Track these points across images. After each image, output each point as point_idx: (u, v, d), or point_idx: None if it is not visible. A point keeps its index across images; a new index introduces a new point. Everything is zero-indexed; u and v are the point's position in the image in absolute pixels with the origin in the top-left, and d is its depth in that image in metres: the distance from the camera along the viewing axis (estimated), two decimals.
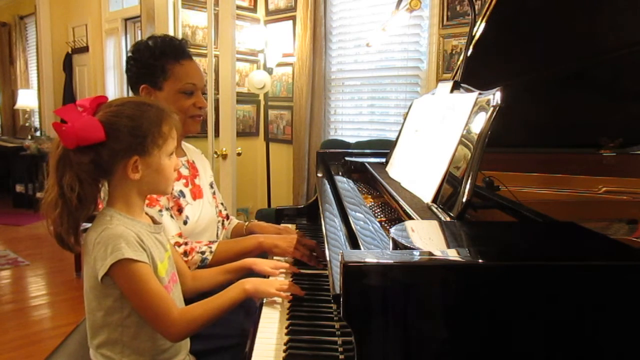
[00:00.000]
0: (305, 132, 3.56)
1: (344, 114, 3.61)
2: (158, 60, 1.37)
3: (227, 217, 1.64)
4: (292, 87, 3.72)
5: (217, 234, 1.54)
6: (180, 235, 1.32)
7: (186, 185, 1.43)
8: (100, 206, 1.07)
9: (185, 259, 1.28)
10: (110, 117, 0.97)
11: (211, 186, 1.57)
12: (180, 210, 1.37)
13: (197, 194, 1.45)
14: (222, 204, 1.62)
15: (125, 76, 5.35)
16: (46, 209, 0.96)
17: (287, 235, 1.44)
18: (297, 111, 3.60)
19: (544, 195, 1.39)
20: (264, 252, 1.41)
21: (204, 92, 1.46)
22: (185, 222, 1.37)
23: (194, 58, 1.47)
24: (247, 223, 1.63)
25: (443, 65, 2.88)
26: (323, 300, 1.13)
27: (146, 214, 1.10)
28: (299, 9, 3.50)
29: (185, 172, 1.45)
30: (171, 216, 1.33)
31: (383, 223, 1.14)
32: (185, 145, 1.55)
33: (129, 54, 1.42)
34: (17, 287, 3.35)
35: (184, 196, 1.40)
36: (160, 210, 1.29)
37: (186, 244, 1.31)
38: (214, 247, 1.34)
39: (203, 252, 1.32)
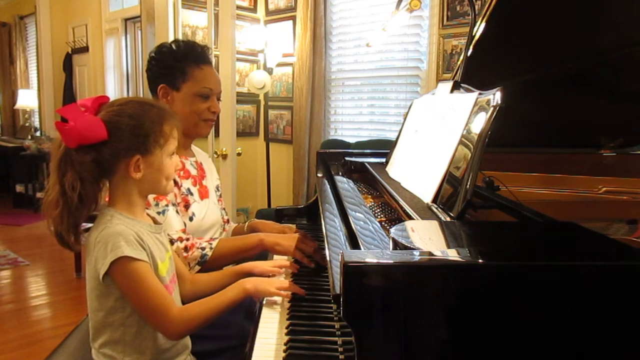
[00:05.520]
0: (305, 132, 3.56)
1: (344, 114, 3.61)
2: (179, 62, 1.40)
3: (228, 221, 1.65)
4: (292, 87, 3.72)
5: (219, 235, 1.54)
6: (184, 231, 1.33)
7: (194, 184, 1.45)
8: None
9: (185, 254, 1.28)
10: (113, 116, 0.97)
11: (217, 189, 1.59)
12: (187, 206, 1.39)
13: (204, 194, 1.47)
14: (224, 209, 1.62)
15: (125, 76, 5.32)
16: (47, 207, 0.96)
17: (289, 234, 1.43)
18: (297, 111, 3.60)
19: (544, 195, 1.39)
20: (264, 251, 1.41)
21: (219, 99, 1.50)
22: (191, 219, 1.38)
23: None
24: (247, 222, 1.63)
25: (443, 65, 2.88)
26: (323, 300, 1.13)
27: (147, 214, 1.10)
28: (299, 9, 3.50)
29: (193, 171, 1.47)
30: (177, 212, 1.34)
31: (383, 223, 1.14)
32: (194, 147, 1.57)
33: (152, 54, 1.46)
34: (17, 287, 3.35)
35: (191, 194, 1.42)
36: (167, 205, 1.30)
37: (188, 239, 1.32)
38: (214, 243, 1.34)
39: (203, 248, 1.32)
